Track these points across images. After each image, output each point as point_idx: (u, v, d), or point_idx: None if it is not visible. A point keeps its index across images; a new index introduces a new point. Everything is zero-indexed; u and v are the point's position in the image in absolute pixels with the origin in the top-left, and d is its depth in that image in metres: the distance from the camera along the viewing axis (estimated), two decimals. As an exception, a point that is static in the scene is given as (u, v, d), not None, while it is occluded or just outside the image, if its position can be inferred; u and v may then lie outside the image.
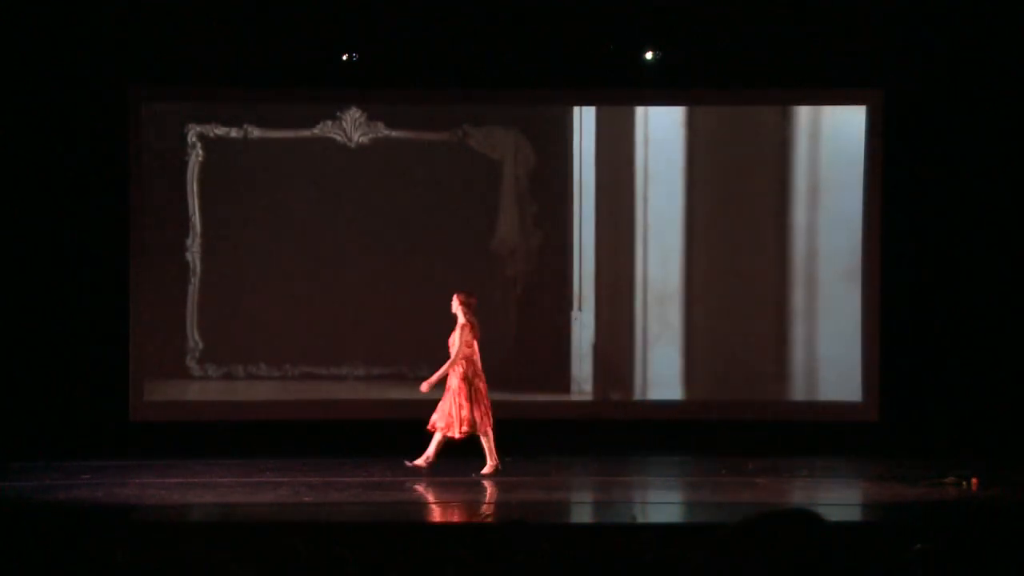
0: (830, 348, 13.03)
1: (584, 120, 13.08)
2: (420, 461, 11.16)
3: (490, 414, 11.19)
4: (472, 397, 11.10)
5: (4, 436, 12.15)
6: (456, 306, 11.30)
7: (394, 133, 13.05)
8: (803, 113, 13.16)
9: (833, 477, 11.58)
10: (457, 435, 11.10)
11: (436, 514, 10.03)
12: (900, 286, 12.84)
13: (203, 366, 12.97)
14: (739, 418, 12.92)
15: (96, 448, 12.21)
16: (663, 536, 6.34)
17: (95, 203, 12.63)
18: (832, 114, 13.13)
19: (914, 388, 12.73)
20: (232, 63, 12.59)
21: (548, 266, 13.11)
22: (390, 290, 12.94)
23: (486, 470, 11.14)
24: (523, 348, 13.06)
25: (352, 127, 13.04)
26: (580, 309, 13.10)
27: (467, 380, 11.11)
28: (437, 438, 11.17)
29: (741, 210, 13.11)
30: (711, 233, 13.10)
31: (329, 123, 13.04)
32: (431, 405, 11.57)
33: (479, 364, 11.24)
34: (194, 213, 12.96)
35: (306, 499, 10.10)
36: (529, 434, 12.69)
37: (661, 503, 10.79)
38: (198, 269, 12.97)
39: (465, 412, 11.05)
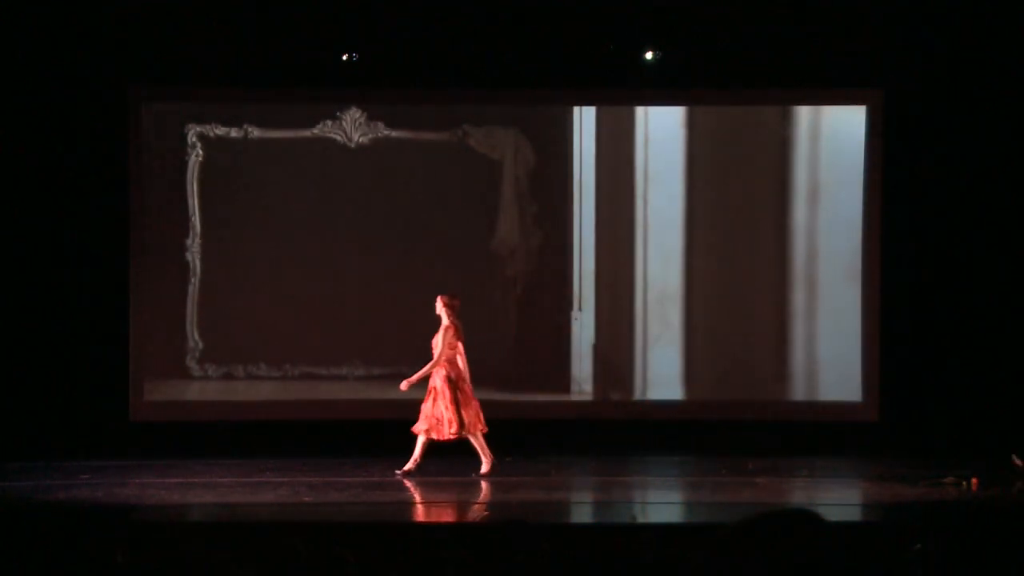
0: (830, 348, 13.03)
1: (584, 120, 13.07)
2: (409, 466, 11.15)
3: (481, 415, 11.16)
4: (458, 399, 11.07)
5: (4, 436, 12.15)
6: (440, 308, 11.25)
7: (394, 133, 13.05)
8: (803, 113, 13.16)
9: (833, 477, 11.57)
10: (445, 437, 11.07)
11: (436, 514, 10.03)
12: (900, 286, 12.84)
13: (203, 366, 12.98)
14: (739, 418, 12.92)
15: (96, 448, 12.21)
16: (663, 536, 6.33)
17: (95, 203, 12.63)
18: (832, 114, 13.12)
19: (914, 388, 12.73)
20: (232, 63, 12.59)
21: (548, 266, 13.11)
22: (390, 290, 12.93)
23: (484, 469, 11.13)
24: (523, 348, 13.06)
25: (352, 127, 13.04)
26: (580, 309, 13.10)
27: (451, 382, 11.07)
28: (421, 440, 11.16)
29: (741, 210, 13.11)
30: (711, 233, 13.10)
31: (329, 123, 13.04)
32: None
33: (463, 366, 11.20)
34: (194, 213, 12.96)
35: (306, 499, 10.10)
36: (529, 434, 12.70)
37: (661, 503, 10.79)
38: (198, 269, 12.97)
39: (451, 414, 11.02)
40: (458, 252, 13.02)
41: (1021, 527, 9.45)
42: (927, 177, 12.75)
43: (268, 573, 5.75)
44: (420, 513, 10.14)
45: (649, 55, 12.74)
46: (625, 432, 12.89)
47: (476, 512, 9.93)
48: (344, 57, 12.58)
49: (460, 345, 11.18)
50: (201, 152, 12.99)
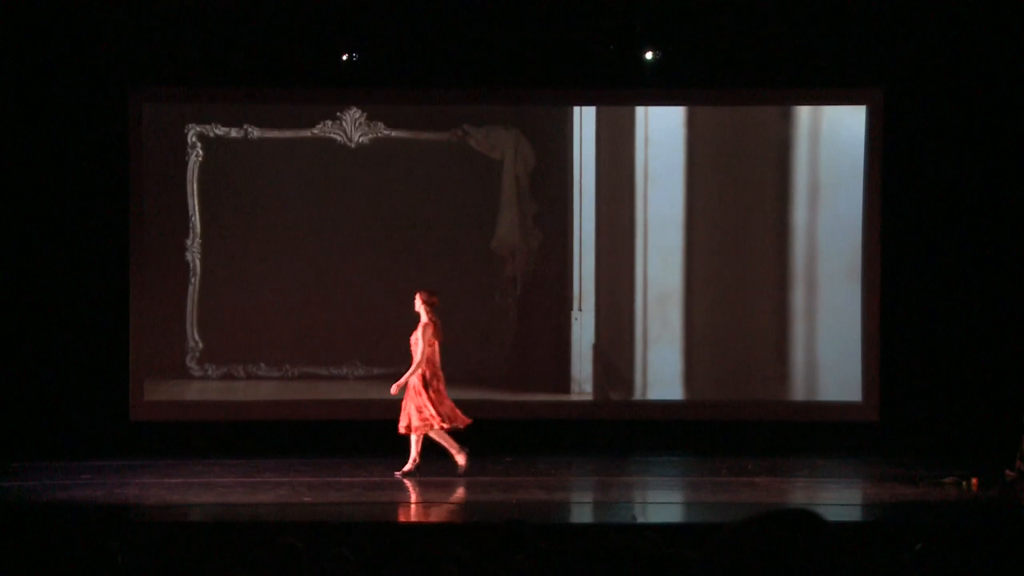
0: (830, 348, 13.03)
1: (584, 120, 13.07)
2: (409, 467, 11.14)
3: (456, 412, 11.12)
4: (432, 398, 11.06)
5: (4, 436, 12.15)
6: (419, 304, 11.23)
7: (394, 133, 13.05)
8: (803, 113, 13.16)
9: (833, 477, 11.58)
10: (436, 428, 11.05)
11: (436, 514, 10.03)
12: (900, 286, 12.84)
13: (203, 366, 12.98)
14: (739, 418, 12.92)
15: (96, 448, 12.21)
16: (663, 536, 6.33)
17: (95, 203, 12.63)
18: (832, 114, 13.13)
19: (914, 388, 12.73)
20: (232, 63, 12.59)
21: (548, 266, 13.11)
22: (390, 290, 12.92)
23: (461, 462, 11.07)
24: (523, 348, 13.05)
25: (352, 127, 13.04)
26: (580, 309, 13.10)
27: (425, 380, 11.07)
28: (414, 439, 11.15)
29: (741, 210, 13.11)
30: (711, 233, 13.09)
31: (329, 123, 13.04)
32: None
33: (439, 364, 11.19)
34: (194, 213, 12.96)
35: (306, 499, 10.10)
36: (529, 434, 12.71)
37: (661, 503, 10.80)
38: (198, 269, 12.97)
39: (431, 411, 11.02)
40: (458, 252, 13.01)
41: (1021, 527, 9.45)
42: (927, 177, 12.75)
43: (268, 573, 5.75)
44: (420, 513, 10.15)
45: (649, 55, 12.74)
46: (625, 432, 12.89)
47: (458, 500, 9.93)
48: (344, 57, 12.58)
49: (436, 343, 11.15)
50: (201, 152, 12.99)
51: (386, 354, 12.83)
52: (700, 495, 10.82)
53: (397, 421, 11.19)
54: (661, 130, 13.09)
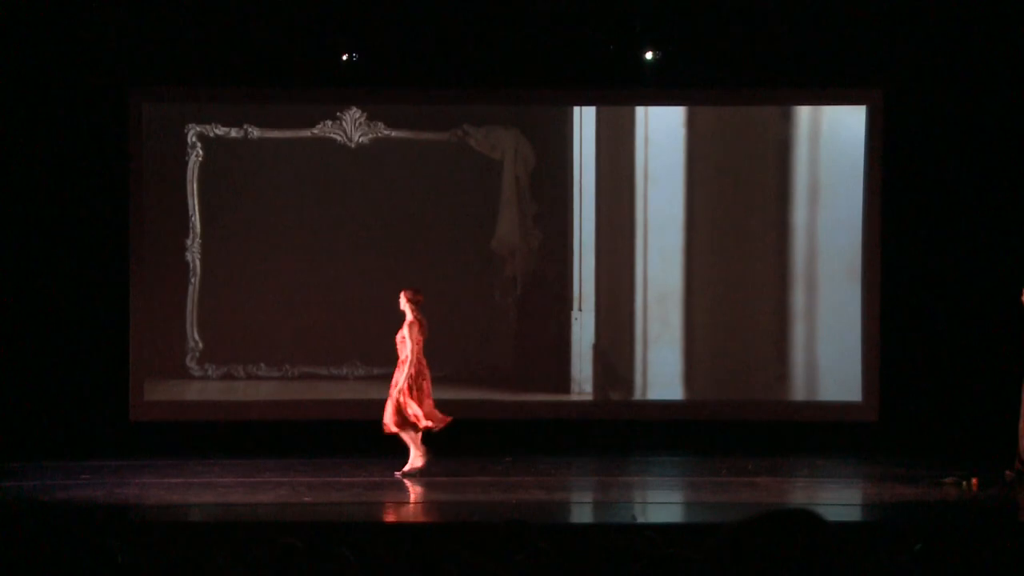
0: (830, 348, 13.03)
1: (584, 120, 13.07)
2: (408, 467, 11.13)
3: (435, 413, 11.11)
4: (414, 396, 11.07)
5: (4, 436, 12.15)
6: (404, 303, 11.23)
7: (394, 133, 13.05)
8: (803, 113, 13.16)
9: (833, 477, 11.58)
10: (422, 426, 11.05)
11: (436, 514, 10.03)
12: (900, 286, 12.84)
13: (203, 366, 12.98)
14: (739, 418, 12.92)
15: (96, 448, 12.21)
16: (663, 536, 6.33)
17: (95, 203, 12.63)
18: (832, 114, 13.13)
19: (914, 388, 12.73)
20: (232, 63, 12.59)
21: (548, 266, 13.11)
22: (390, 290, 12.89)
23: (407, 468, 11.07)
24: (523, 348, 13.05)
25: (352, 127, 13.04)
26: (580, 309, 13.10)
27: (410, 378, 11.08)
28: (414, 439, 11.15)
29: (741, 210, 13.11)
30: (711, 233, 13.09)
31: (329, 123, 13.04)
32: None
33: (424, 362, 11.18)
34: (194, 213, 12.96)
35: (306, 499, 10.10)
36: (529, 434, 12.71)
37: (661, 503, 10.80)
38: (198, 269, 12.97)
39: (413, 409, 11.03)
40: (458, 252, 13.02)
41: (1021, 527, 9.45)
42: (927, 177, 12.75)
43: (268, 573, 5.75)
44: (420, 513, 10.15)
45: (649, 55, 12.74)
46: (625, 432, 12.90)
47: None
48: (344, 57, 12.58)
49: (422, 340, 11.15)
50: (201, 152, 12.99)
51: (386, 354, 12.80)
52: (700, 495, 10.82)
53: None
54: (661, 130, 13.09)
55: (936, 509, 9.81)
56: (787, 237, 13.09)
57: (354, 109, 13.03)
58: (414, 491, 10.64)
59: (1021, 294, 11.04)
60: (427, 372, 11.17)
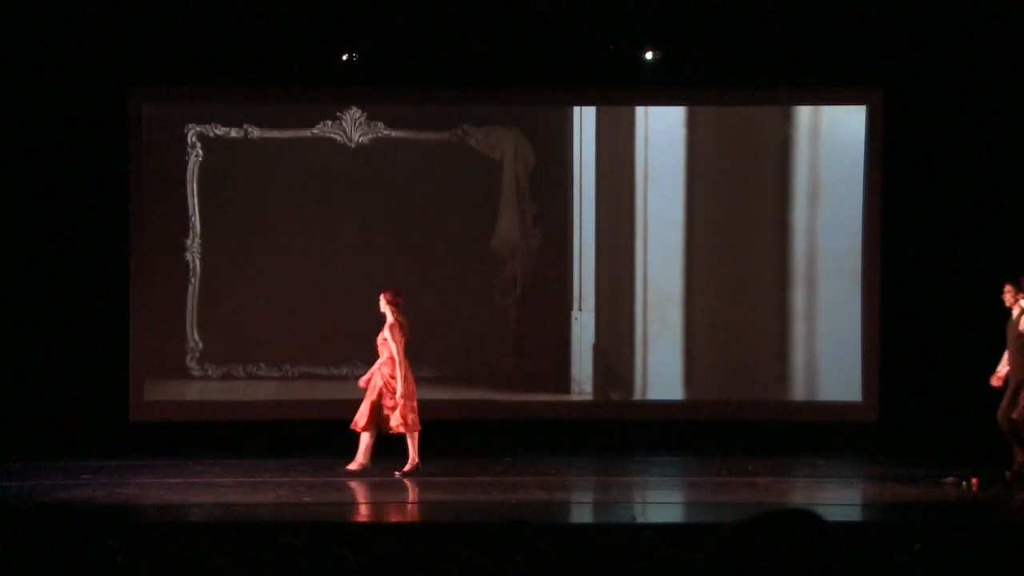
0: (830, 348, 13.02)
1: (584, 120, 13.07)
2: (408, 467, 11.14)
3: (388, 421, 11.12)
4: (382, 395, 11.08)
5: (4, 436, 12.15)
6: (384, 305, 11.24)
7: (394, 133, 13.05)
8: (803, 113, 13.16)
9: (833, 477, 11.58)
10: (394, 427, 11.08)
11: (436, 514, 10.02)
12: (900, 286, 12.84)
13: (203, 366, 12.97)
14: (739, 418, 12.92)
15: (96, 448, 12.21)
16: (663, 536, 6.33)
17: (95, 203, 12.63)
18: (832, 114, 13.13)
19: (914, 388, 12.72)
20: (232, 63, 12.59)
21: (548, 266, 13.11)
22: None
23: (352, 467, 11.11)
24: (523, 348, 13.05)
25: (352, 127, 13.03)
26: (580, 309, 13.10)
27: (405, 380, 11.09)
28: (410, 440, 11.16)
29: (741, 210, 13.11)
30: (711, 233, 13.09)
31: (329, 123, 13.03)
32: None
33: (407, 363, 11.17)
34: (194, 213, 12.96)
35: (306, 499, 10.10)
36: (529, 434, 12.71)
37: (661, 503, 10.80)
38: (198, 269, 12.97)
39: (376, 407, 11.08)
40: (458, 252, 13.01)
41: (1021, 527, 9.45)
42: (927, 177, 12.75)
43: (268, 573, 5.75)
44: (419, 513, 10.14)
45: (649, 55, 12.74)
46: (625, 432, 12.89)
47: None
48: (344, 57, 12.58)
49: (403, 341, 11.15)
50: (201, 152, 12.99)
51: (386, 354, 12.82)
52: (700, 495, 10.82)
53: (386, 423, 11.21)
54: (661, 130, 13.09)
55: (936, 509, 9.81)
56: (787, 237, 13.09)
57: (354, 109, 13.03)
58: (414, 491, 10.64)
59: (1003, 292, 11.07)
60: (410, 375, 11.18)
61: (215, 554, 6.06)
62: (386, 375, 11.12)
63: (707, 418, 12.93)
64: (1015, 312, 11.01)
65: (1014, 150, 12.67)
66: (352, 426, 11.20)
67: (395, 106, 13.06)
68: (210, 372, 12.98)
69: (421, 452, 11.21)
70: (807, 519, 2.66)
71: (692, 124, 13.14)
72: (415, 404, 11.14)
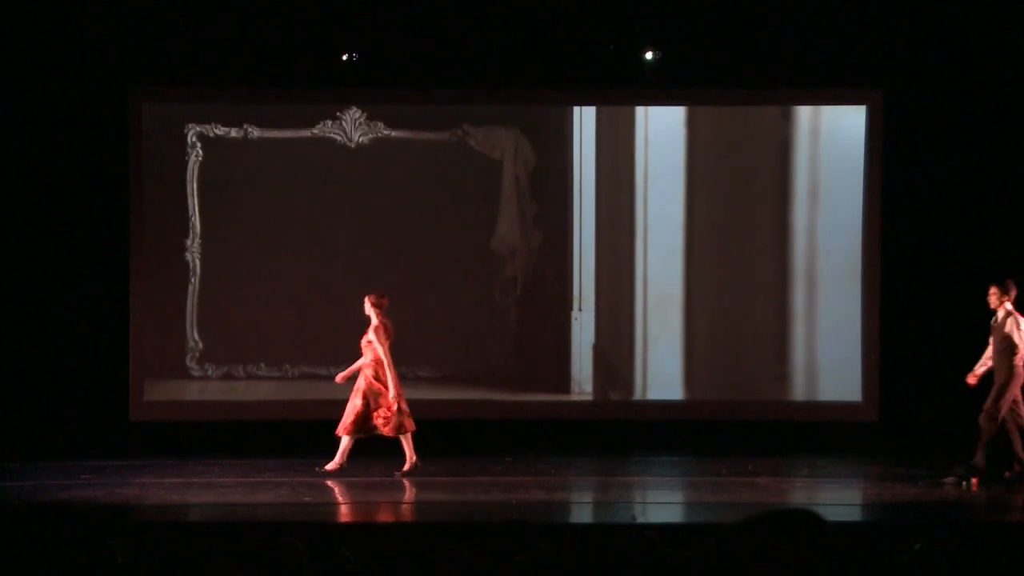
0: (830, 348, 13.03)
1: (584, 120, 13.07)
2: (407, 467, 11.13)
3: (367, 425, 11.12)
4: (366, 397, 11.09)
5: (4, 436, 12.15)
6: (368, 308, 11.24)
7: (394, 133, 13.05)
8: (803, 113, 13.16)
9: (833, 477, 11.58)
10: (380, 428, 11.10)
11: (436, 514, 10.02)
12: (900, 286, 12.84)
13: (203, 366, 12.98)
14: (739, 418, 12.92)
15: (96, 448, 12.21)
16: (663, 536, 6.33)
17: (95, 203, 12.63)
18: (832, 114, 13.13)
19: (914, 388, 12.72)
20: (232, 63, 12.59)
21: (548, 266, 13.11)
22: (390, 290, 12.91)
23: (330, 467, 11.11)
24: (523, 348, 13.05)
25: (352, 127, 13.04)
26: (580, 309, 13.10)
27: (369, 382, 11.10)
28: (405, 440, 11.16)
29: (741, 210, 13.11)
30: (711, 233, 13.09)
31: (329, 123, 13.04)
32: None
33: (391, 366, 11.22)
34: (194, 213, 12.96)
35: (306, 499, 10.10)
36: (529, 434, 12.70)
37: (661, 503, 10.80)
38: (198, 269, 12.97)
39: (361, 412, 11.08)
40: (458, 252, 13.01)
41: (1021, 527, 9.45)
42: (927, 177, 12.75)
43: (268, 573, 5.76)
44: (420, 513, 10.14)
45: (649, 55, 12.74)
46: (625, 432, 12.89)
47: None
48: (344, 57, 12.58)
49: (387, 344, 11.15)
50: (201, 152, 12.99)
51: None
52: (700, 495, 10.82)
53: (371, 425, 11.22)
54: (661, 130, 13.09)
55: (936, 509, 9.81)
56: (787, 237, 13.09)
57: (354, 109, 13.03)
58: (413, 491, 10.64)
59: (988, 293, 11.07)
60: (396, 377, 11.19)
61: (215, 554, 6.06)
62: (370, 377, 11.12)
63: (707, 418, 12.93)
64: (1000, 314, 11.01)
65: (1014, 150, 12.67)
66: (337, 432, 11.20)
67: (395, 106, 13.06)
68: (210, 372, 12.98)
69: (420, 452, 11.21)
70: (807, 519, 2.66)
71: (692, 124, 13.14)
72: (405, 405, 11.14)
